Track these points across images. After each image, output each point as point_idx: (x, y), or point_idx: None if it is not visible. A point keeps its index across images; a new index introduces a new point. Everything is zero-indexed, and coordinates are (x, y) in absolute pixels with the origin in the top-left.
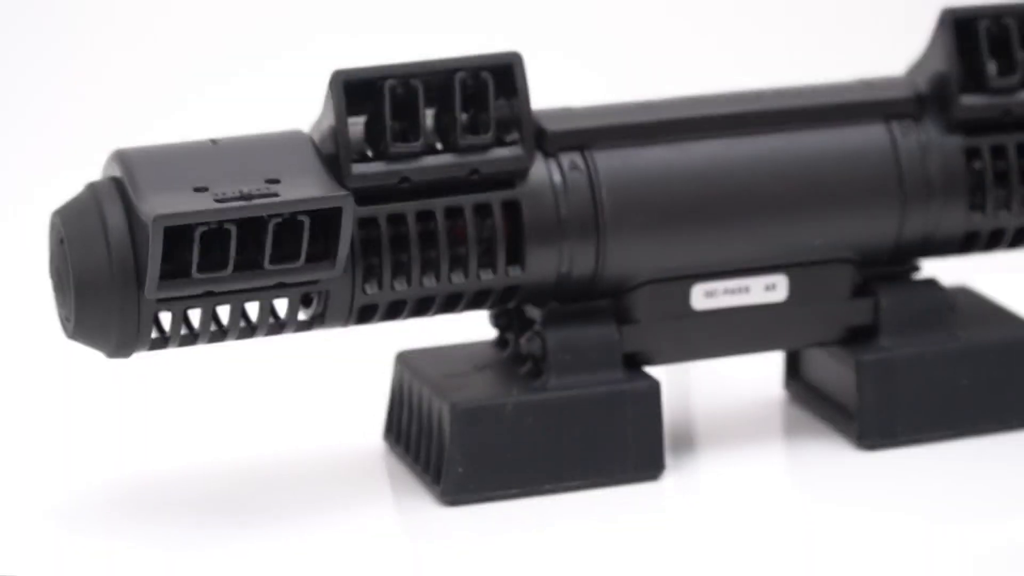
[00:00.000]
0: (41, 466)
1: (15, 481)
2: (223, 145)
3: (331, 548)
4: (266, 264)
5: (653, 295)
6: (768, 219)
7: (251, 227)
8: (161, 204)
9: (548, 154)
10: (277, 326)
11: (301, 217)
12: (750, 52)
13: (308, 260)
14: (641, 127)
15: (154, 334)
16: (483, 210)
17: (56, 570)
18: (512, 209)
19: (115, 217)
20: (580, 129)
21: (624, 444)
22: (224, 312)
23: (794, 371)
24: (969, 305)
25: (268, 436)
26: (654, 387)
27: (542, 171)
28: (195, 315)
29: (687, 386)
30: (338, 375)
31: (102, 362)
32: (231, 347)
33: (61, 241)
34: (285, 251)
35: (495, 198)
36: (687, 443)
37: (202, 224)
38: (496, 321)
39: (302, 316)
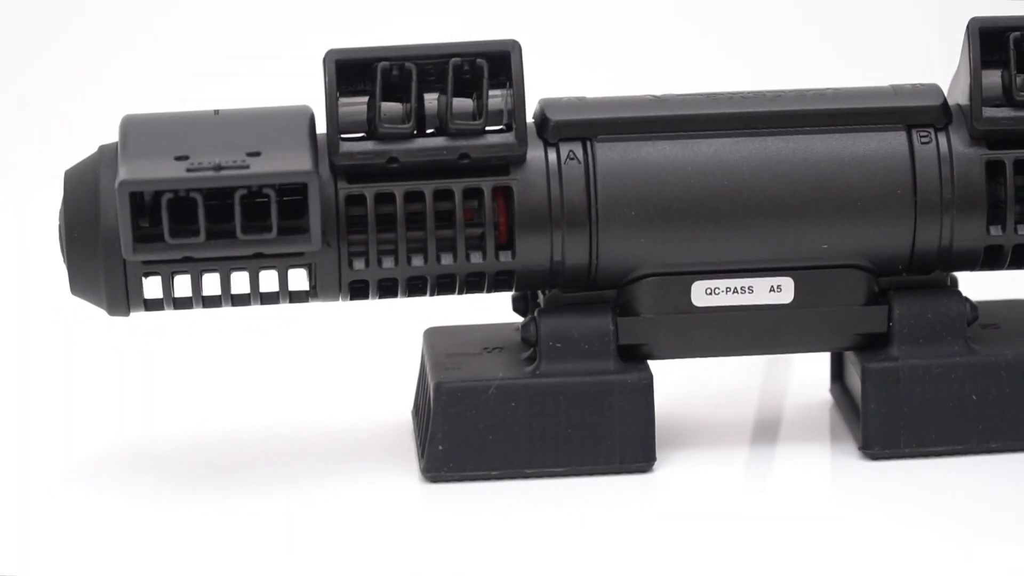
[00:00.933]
0: (87, 432)
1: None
2: (223, 116)
3: (303, 513)
4: (239, 234)
5: (654, 289)
6: (772, 220)
7: (227, 198)
8: (135, 170)
9: (549, 143)
10: (270, 296)
11: (267, 190)
12: (780, 54)
13: (282, 232)
14: (647, 121)
15: (150, 296)
16: (475, 194)
17: (105, 535)
18: (504, 195)
19: (107, 180)
20: (583, 120)
21: (611, 435)
22: (212, 280)
23: (837, 374)
24: (1016, 320)
25: (306, 404)
26: (644, 380)
27: (540, 159)
28: (185, 282)
29: (784, 380)
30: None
31: (133, 336)
32: (298, 314)
33: (63, 200)
34: (267, 223)
35: (487, 183)
36: (696, 438)
37: (168, 191)
38: (515, 305)
39: (294, 288)
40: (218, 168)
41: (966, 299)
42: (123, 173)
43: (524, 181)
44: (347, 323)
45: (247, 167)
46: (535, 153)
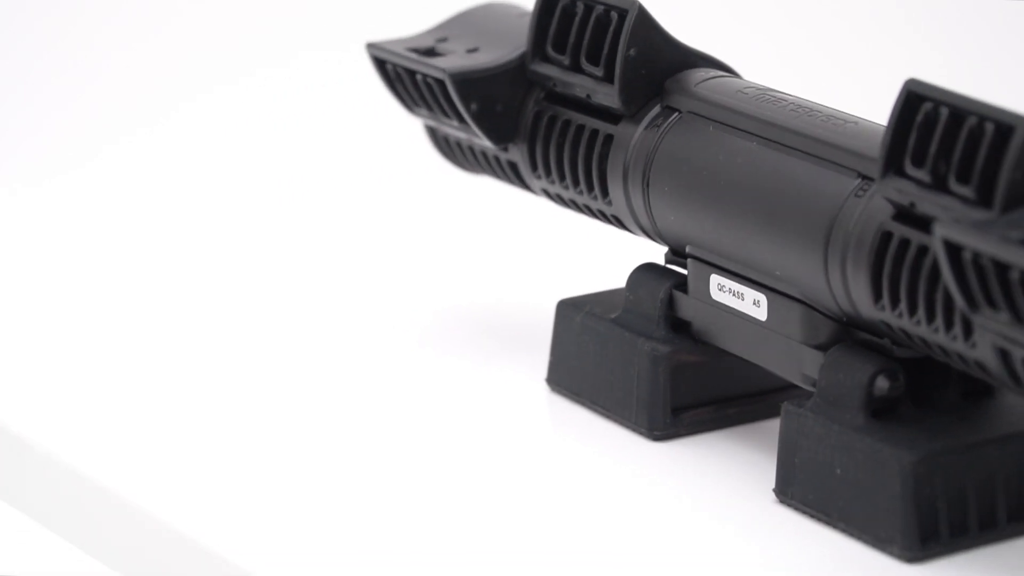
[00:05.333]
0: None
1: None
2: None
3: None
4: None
5: (692, 270)
6: (753, 232)
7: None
8: (402, 43)
9: (665, 106)
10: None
11: (430, 80)
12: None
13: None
14: (717, 108)
15: None
16: (594, 135)
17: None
18: (606, 143)
19: None
20: (683, 93)
21: (632, 395)
22: None
23: None
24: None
25: (442, 375)
26: (656, 354)
27: (645, 119)
28: None
29: None
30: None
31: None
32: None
33: None
34: None
35: (602, 128)
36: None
37: (389, 63)
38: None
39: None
40: (420, 52)
41: (882, 372)
42: (391, 45)
43: (623, 134)
44: (484, 294)
45: (434, 59)
46: (650, 111)
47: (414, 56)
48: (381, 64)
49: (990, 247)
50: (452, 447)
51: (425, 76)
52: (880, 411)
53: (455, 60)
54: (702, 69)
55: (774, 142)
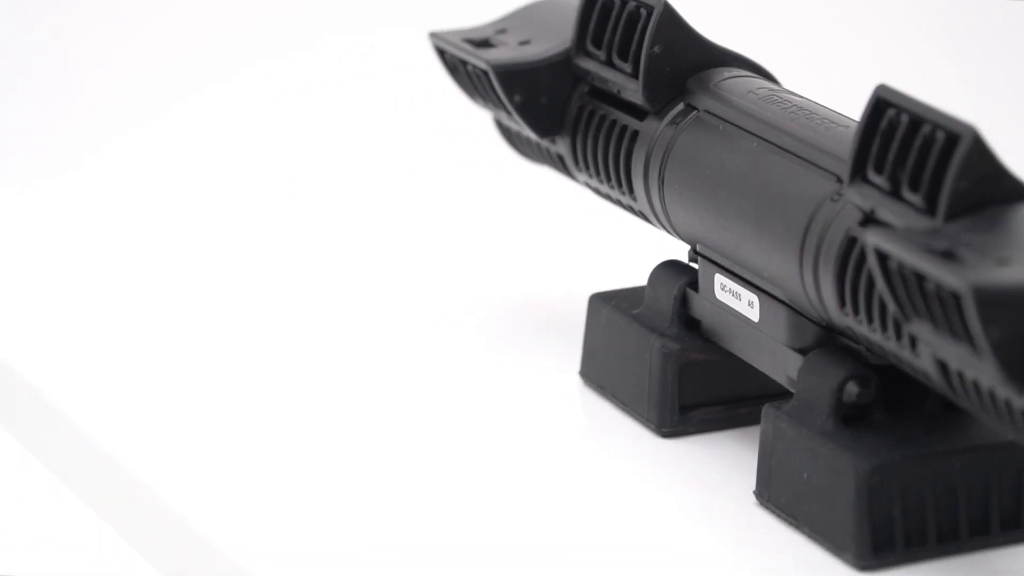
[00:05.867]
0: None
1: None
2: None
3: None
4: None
5: (702, 270)
6: (745, 234)
7: None
8: (461, 34)
9: (686, 105)
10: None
11: (478, 71)
12: None
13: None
14: (725, 107)
15: None
16: (623, 131)
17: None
18: (632, 139)
19: None
20: (702, 92)
21: (644, 391)
22: None
23: None
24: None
25: (476, 368)
26: (666, 351)
27: (668, 116)
28: None
29: None
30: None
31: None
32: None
33: None
34: None
35: (629, 123)
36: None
37: (447, 53)
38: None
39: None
40: (474, 44)
41: (853, 378)
42: (453, 33)
43: (647, 130)
44: (518, 287)
45: (485, 52)
46: (673, 108)
47: (467, 47)
48: (441, 54)
49: (909, 257)
50: (463, 442)
51: (474, 67)
52: (851, 417)
53: (504, 52)
54: (726, 68)
55: (771, 143)
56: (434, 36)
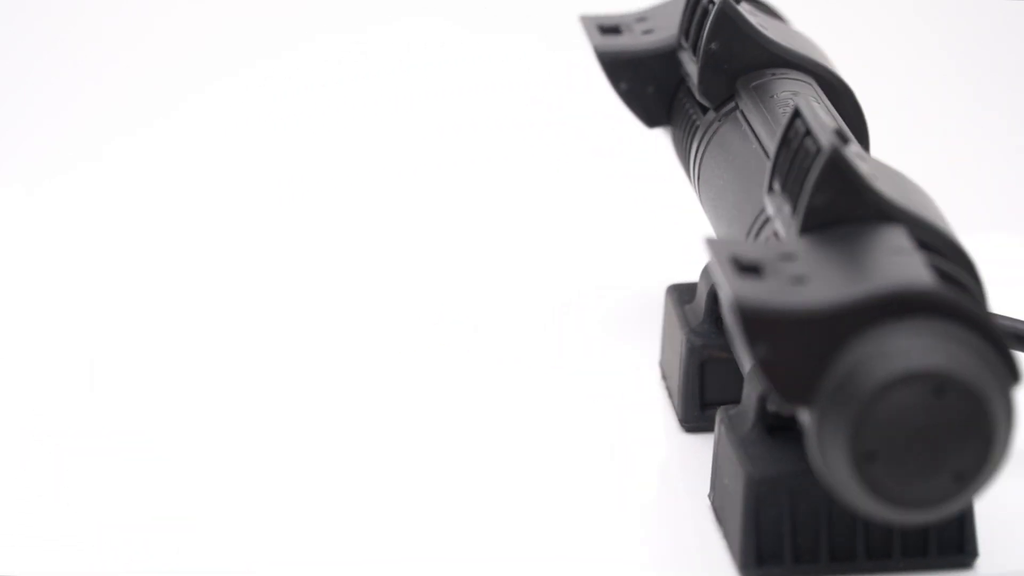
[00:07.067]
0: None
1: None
2: None
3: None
4: None
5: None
6: (734, 235)
7: None
8: (601, 19)
9: (734, 103)
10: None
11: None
12: None
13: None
14: (751, 109)
15: None
16: (691, 125)
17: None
18: (692, 133)
19: None
20: (744, 91)
21: (676, 384)
22: None
23: None
24: None
25: (553, 359)
26: (691, 345)
27: (719, 113)
28: None
29: None
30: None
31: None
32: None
33: None
34: None
35: (694, 117)
36: None
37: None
38: None
39: None
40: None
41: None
42: None
43: (702, 125)
44: (594, 280)
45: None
46: (726, 106)
47: (595, 32)
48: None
49: (714, 263)
50: (486, 437)
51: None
52: (777, 427)
53: (623, 39)
54: (775, 69)
55: (763, 147)
56: (584, 18)
